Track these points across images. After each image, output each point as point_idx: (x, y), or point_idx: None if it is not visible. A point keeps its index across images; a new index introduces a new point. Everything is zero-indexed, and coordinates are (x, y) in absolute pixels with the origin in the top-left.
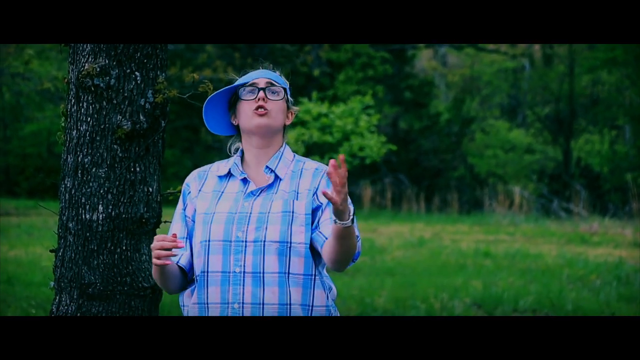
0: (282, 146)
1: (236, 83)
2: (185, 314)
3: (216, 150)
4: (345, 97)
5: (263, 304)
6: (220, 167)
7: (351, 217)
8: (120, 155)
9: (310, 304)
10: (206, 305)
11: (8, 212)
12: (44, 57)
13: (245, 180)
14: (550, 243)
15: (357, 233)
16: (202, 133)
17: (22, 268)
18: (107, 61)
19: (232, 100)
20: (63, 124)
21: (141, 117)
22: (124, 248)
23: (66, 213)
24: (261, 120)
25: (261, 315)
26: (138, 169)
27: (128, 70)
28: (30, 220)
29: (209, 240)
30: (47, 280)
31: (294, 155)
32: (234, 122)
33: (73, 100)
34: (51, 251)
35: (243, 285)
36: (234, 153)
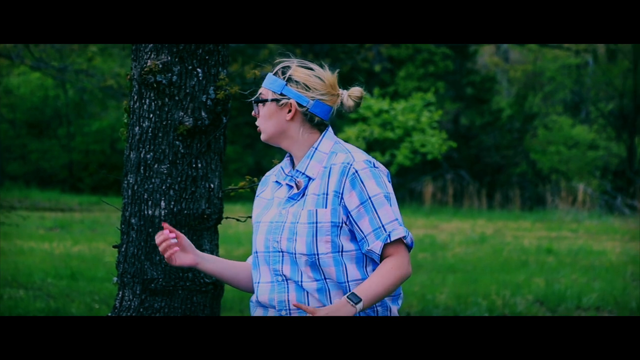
0: (316, 140)
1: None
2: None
3: (277, 147)
4: (406, 94)
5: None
6: (277, 169)
7: (357, 310)
8: (182, 151)
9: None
10: (262, 308)
11: (72, 208)
12: (107, 54)
13: (289, 184)
14: (614, 240)
15: (384, 287)
16: None
17: (86, 263)
18: (169, 58)
19: None
20: (126, 121)
21: (203, 114)
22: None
23: (129, 209)
24: (261, 137)
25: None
26: (200, 165)
27: (190, 67)
28: (93, 216)
29: (257, 252)
30: (110, 275)
31: (333, 144)
32: None
33: (136, 97)
34: (114, 247)
35: (288, 292)
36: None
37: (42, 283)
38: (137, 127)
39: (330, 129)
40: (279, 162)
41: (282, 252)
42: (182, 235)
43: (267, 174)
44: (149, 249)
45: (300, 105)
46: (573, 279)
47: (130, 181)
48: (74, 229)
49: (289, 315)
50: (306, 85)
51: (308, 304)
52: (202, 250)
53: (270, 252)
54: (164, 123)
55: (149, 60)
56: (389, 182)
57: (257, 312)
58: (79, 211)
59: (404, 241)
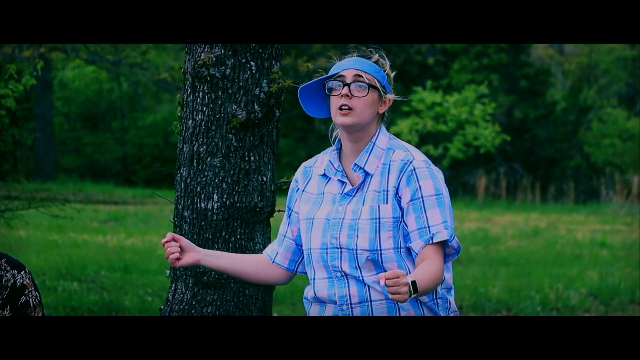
0: (375, 135)
1: (331, 72)
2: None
3: (330, 140)
4: (460, 87)
5: (371, 301)
6: (323, 162)
7: (412, 295)
8: (235, 144)
9: (417, 299)
10: (319, 304)
11: (126, 201)
12: (161, 47)
13: (342, 180)
14: None
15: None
16: (317, 123)
17: (139, 256)
18: (222, 51)
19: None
20: (179, 114)
21: (256, 107)
22: (238, 237)
23: (182, 202)
24: (345, 120)
25: (370, 313)
26: (253, 158)
27: (243, 60)
28: (147, 209)
29: (311, 249)
30: (163, 268)
31: (389, 140)
32: None
33: (189, 90)
34: None
35: (349, 287)
36: (334, 141)
37: (96, 276)
38: (191, 121)
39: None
40: (321, 152)
41: (342, 248)
42: (181, 237)
43: (307, 165)
44: (202, 242)
45: (390, 102)
46: (627, 273)
47: (184, 174)
48: (128, 222)
49: (350, 309)
50: (392, 84)
51: (370, 298)
52: (255, 244)
53: (327, 249)
54: (218, 116)
55: (202, 54)
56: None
57: (313, 309)
58: (133, 204)
59: (448, 245)
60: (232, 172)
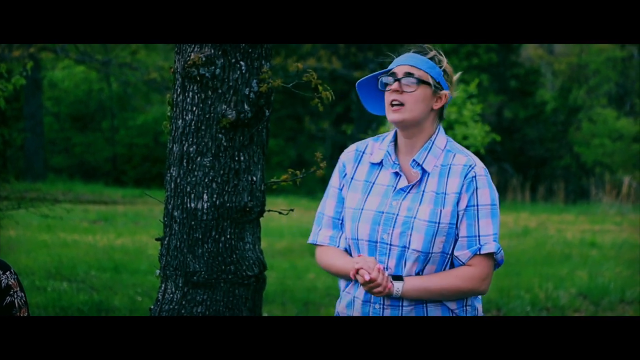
0: (434, 134)
1: (388, 68)
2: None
3: (320, 139)
4: None
5: (402, 305)
6: (375, 149)
7: (398, 292)
8: (225, 144)
9: (447, 304)
10: (353, 299)
11: (115, 201)
12: (150, 47)
13: (396, 174)
14: None
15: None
16: (306, 122)
17: (129, 256)
18: (212, 51)
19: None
20: (169, 114)
21: (246, 107)
22: (228, 237)
23: (172, 202)
24: (395, 116)
25: (400, 314)
26: (242, 158)
27: (233, 60)
28: (136, 208)
29: (357, 239)
30: (153, 268)
31: (447, 142)
32: None
33: (179, 90)
34: (157, 239)
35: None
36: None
37: (86, 275)
38: (180, 120)
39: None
40: (369, 138)
41: (391, 245)
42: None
43: (358, 148)
44: (192, 242)
45: (446, 98)
46: (616, 273)
47: (173, 174)
48: (117, 222)
49: (381, 309)
50: (452, 81)
51: (401, 299)
52: (245, 244)
53: (377, 242)
54: (207, 116)
55: (192, 54)
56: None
57: (356, 305)
58: (122, 204)
59: (494, 257)
60: (221, 171)
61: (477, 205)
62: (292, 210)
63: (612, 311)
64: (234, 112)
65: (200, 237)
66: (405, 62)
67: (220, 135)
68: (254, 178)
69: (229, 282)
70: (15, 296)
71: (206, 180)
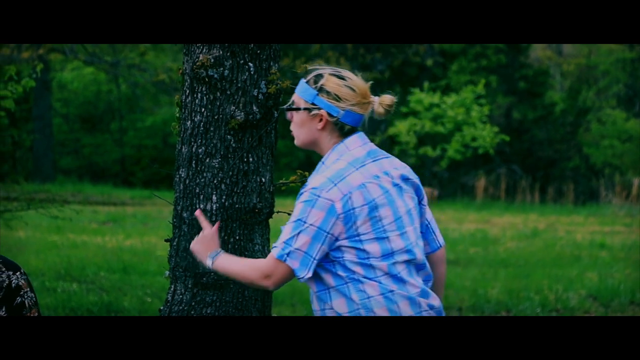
0: (326, 155)
1: None
2: None
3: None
4: (458, 88)
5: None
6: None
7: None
8: (234, 145)
9: None
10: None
11: (124, 202)
12: (159, 48)
13: None
14: None
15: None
16: None
17: (138, 257)
18: (221, 52)
19: None
20: (178, 115)
21: (254, 108)
22: (237, 238)
23: (180, 203)
24: (295, 142)
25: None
26: (251, 159)
27: (241, 61)
28: (145, 210)
29: None
30: (162, 269)
31: (335, 160)
32: None
33: (187, 91)
34: (166, 240)
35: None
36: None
37: (95, 276)
38: (189, 122)
39: (345, 140)
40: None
41: None
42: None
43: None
44: None
45: (330, 115)
46: (626, 274)
47: (182, 175)
48: (126, 223)
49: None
50: (337, 96)
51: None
52: (254, 245)
53: None
54: (216, 117)
55: (200, 55)
56: (328, 213)
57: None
58: (131, 205)
59: (281, 260)
60: (230, 173)
61: (292, 214)
62: None
63: (622, 313)
64: (242, 113)
65: None
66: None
67: (229, 136)
68: (263, 179)
69: (238, 283)
70: (25, 296)
71: (215, 181)
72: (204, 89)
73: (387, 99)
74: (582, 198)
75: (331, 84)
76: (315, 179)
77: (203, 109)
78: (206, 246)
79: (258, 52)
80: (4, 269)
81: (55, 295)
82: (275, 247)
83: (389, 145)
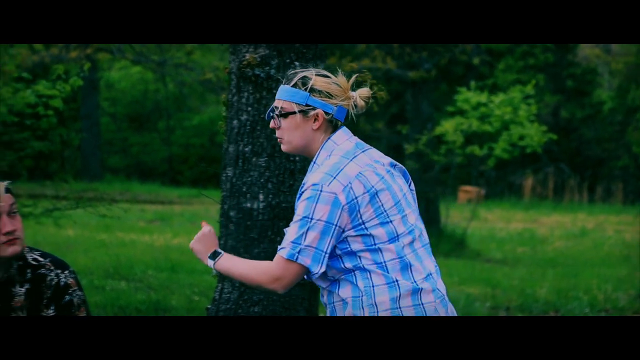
0: (316, 154)
1: None
2: None
3: (375, 139)
4: (505, 86)
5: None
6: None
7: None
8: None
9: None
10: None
11: (171, 201)
12: (205, 47)
13: None
14: None
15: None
16: (361, 122)
17: (186, 256)
18: (267, 51)
19: None
20: (224, 114)
21: None
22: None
23: (227, 202)
24: (283, 148)
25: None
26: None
27: (288, 60)
28: (193, 208)
29: None
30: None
31: (326, 156)
32: None
33: (234, 90)
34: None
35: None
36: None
37: (143, 275)
38: (235, 121)
39: (332, 137)
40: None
41: None
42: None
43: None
44: (248, 242)
45: (326, 113)
46: None
47: (229, 174)
48: (174, 222)
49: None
50: (329, 94)
51: None
52: None
53: None
54: (262, 116)
55: (247, 54)
56: (333, 205)
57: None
58: (179, 204)
59: (292, 260)
60: (277, 171)
61: (296, 215)
62: None
63: None
64: None
65: (256, 237)
66: (276, 97)
67: (275, 135)
68: None
69: None
70: (74, 295)
71: (262, 180)
72: (250, 88)
73: (365, 91)
74: (631, 197)
75: (320, 83)
76: (312, 177)
77: (249, 108)
78: (206, 245)
79: (304, 51)
80: (52, 268)
81: (104, 293)
82: (282, 248)
83: (436, 144)
